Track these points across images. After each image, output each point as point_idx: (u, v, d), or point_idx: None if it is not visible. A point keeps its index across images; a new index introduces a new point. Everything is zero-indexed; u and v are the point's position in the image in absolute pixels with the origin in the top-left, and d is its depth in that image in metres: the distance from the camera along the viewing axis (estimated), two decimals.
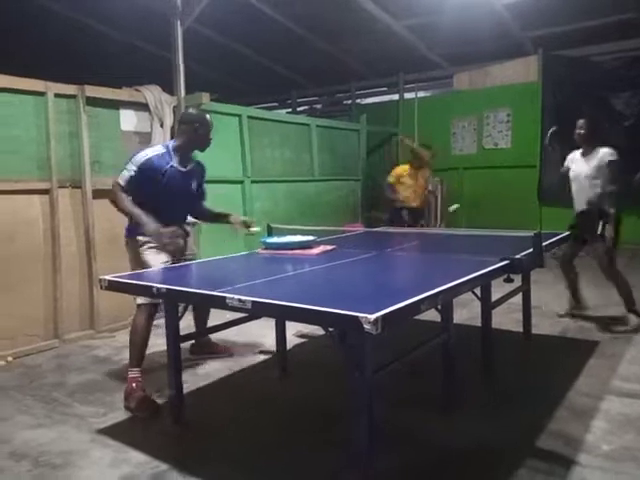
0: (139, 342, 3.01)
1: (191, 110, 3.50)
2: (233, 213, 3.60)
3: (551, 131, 4.66)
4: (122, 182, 3.07)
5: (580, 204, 4.23)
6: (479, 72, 8.31)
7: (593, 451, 2.38)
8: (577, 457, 2.33)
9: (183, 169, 3.21)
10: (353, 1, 6.60)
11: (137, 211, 3.06)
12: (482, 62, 8.18)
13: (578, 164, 4.24)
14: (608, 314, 4.37)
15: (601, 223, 4.03)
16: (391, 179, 6.42)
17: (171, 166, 3.14)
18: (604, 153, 4.10)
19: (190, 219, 4.42)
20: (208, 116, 3.30)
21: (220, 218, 3.55)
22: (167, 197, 3.15)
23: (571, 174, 4.29)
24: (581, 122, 4.21)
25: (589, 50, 7.40)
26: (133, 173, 3.06)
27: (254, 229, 3.43)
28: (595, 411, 2.76)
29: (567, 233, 3.90)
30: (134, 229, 3.16)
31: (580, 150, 4.29)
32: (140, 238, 3.13)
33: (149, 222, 3.02)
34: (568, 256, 4.42)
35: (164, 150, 3.16)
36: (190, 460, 2.43)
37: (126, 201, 3.08)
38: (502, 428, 2.63)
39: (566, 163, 4.39)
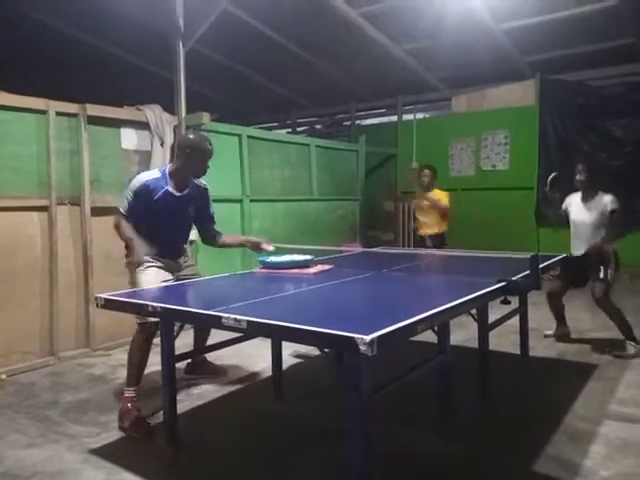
0: (137, 361, 3.00)
1: (190, 134, 3.36)
2: (242, 236, 3.61)
3: (551, 177, 4.35)
4: (122, 210, 3.08)
5: (579, 248, 4.20)
6: (477, 95, 8.39)
7: (591, 476, 2.36)
8: None
9: (178, 193, 3.17)
10: (353, 25, 6.71)
11: (129, 238, 3.01)
12: (480, 85, 8.27)
13: (578, 210, 4.18)
14: (605, 337, 4.36)
15: (602, 268, 4.04)
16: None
17: (165, 190, 3.12)
18: (606, 201, 4.04)
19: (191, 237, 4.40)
20: (207, 144, 3.18)
21: (236, 244, 3.58)
22: (163, 221, 3.13)
23: (571, 218, 4.25)
24: (580, 167, 4.16)
25: (587, 74, 7.47)
26: (130, 199, 3.06)
27: (270, 248, 3.44)
28: (593, 435, 2.74)
29: (564, 256, 3.89)
30: None
31: (580, 194, 4.23)
32: None
33: (137, 251, 2.98)
34: (557, 293, 4.41)
35: (159, 175, 3.13)
36: None
37: (123, 228, 3.06)
38: (499, 451, 2.61)
39: (564, 205, 4.34)
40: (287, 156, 6.56)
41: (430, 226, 5.95)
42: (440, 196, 5.96)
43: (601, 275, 4.05)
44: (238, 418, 3.10)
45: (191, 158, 3.14)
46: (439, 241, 5.90)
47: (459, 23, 6.40)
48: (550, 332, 4.56)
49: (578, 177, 4.16)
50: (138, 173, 4.63)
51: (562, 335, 4.49)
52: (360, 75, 8.66)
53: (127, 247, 3.08)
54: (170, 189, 3.14)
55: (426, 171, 6.09)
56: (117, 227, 3.09)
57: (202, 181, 3.35)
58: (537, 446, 2.62)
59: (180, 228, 3.36)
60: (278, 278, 3.14)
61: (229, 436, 2.85)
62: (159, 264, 3.19)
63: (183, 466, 2.55)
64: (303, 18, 6.77)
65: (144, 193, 3.06)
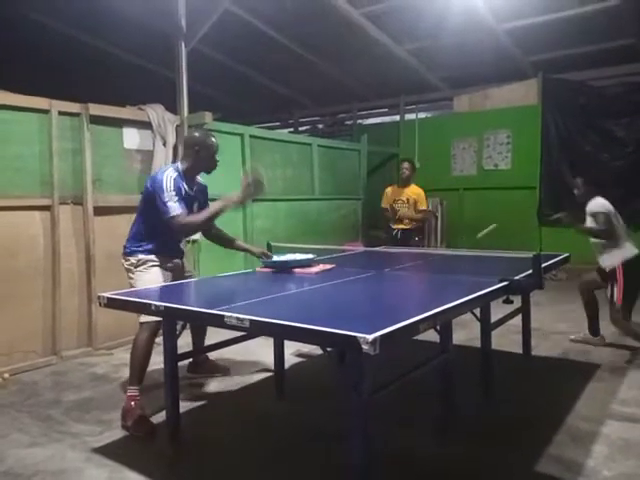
0: (140, 360, 2.99)
1: (194, 132, 3.43)
2: (237, 238, 3.61)
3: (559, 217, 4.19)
4: (179, 211, 2.98)
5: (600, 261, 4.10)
6: (479, 94, 8.38)
7: (593, 476, 2.35)
8: None
9: (191, 192, 3.20)
10: (355, 25, 6.71)
11: (213, 207, 3.12)
12: (482, 85, 8.26)
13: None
14: (610, 342, 4.33)
15: (609, 285, 3.92)
16: (383, 204, 6.30)
17: (184, 189, 3.13)
18: (590, 206, 3.97)
19: (193, 236, 4.40)
20: (212, 138, 3.23)
21: (225, 242, 3.55)
22: None
23: None
24: (578, 181, 4.11)
25: (589, 74, 7.46)
26: (177, 196, 3.00)
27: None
28: (595, 435, 2.73)
29: (567, 255, 3.89)
30: (134, 247, 3.16)
31: None
32: (141, 256, 3.14)
33: (229, 197, 3.11)
34: (589, 284, 4.24)
35: (177, 173, 3.12)
36: None
37: (198, 216, 3.10)
38: (500, 451, 2.61)
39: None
40: (289, 155, 6.57)
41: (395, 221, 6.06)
42: (417, 195, 6.02)
43: (608, 294, 3.94)
44: (240, 417, 3.10)
45: (200, 155, 3.18)
46: (408, 236, 5.98)
47: (461, 23, 6.40)
48: (574, 337, 4.37)
49: (576, 192, 4.11)
50: (141, 172, 4.69)
51: (593, 343, 4.26)
52: (362, 75, 8.66)
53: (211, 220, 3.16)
54: (185, 187, 3.15)
55: (405, 164, 6.18)
56: (192, 228, 3.09)
57: (201, 179, 3.37)
58: (539, 446, 2.62)
59: None
60: (280, 277, 3.14)
61: (230, 435, 2.86)
62: (163, 264, 3.20)
63: (185, 465, 2.56)
64: (305, 18, 6.78)
65: (177, 190, 3.04)
